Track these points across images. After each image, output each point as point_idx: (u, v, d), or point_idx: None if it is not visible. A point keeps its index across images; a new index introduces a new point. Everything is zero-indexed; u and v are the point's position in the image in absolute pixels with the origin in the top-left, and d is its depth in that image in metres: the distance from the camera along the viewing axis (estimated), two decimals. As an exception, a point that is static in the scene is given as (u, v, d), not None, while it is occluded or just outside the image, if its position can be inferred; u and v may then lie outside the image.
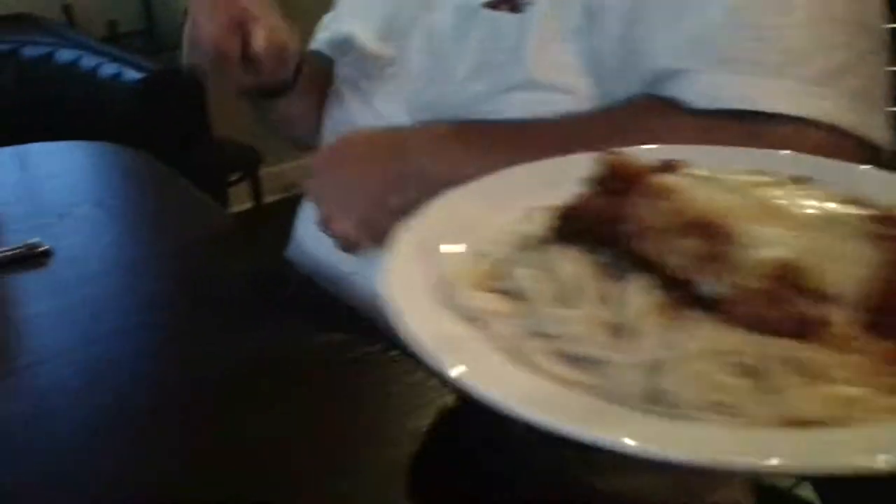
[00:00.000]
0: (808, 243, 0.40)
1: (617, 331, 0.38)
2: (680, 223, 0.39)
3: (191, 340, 0.76)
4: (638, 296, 0.39)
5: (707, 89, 0.68)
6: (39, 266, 0.95)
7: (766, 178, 0.45)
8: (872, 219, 0.42)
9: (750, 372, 0.36)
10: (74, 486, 0.58)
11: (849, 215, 0.42)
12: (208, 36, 0.85)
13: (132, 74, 2.11)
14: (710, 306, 0.38)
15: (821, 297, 0.38)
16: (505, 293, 0.41)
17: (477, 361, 0.37)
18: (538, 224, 0.44)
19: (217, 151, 2.38)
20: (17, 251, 0.95)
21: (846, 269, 0.39)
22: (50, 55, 2.27)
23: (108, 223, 1.10)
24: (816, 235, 0.40)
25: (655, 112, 0.70)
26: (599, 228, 0.41)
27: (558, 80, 0.75)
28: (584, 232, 0.41)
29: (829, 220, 0.42)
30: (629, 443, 0.32)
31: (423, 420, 0.59)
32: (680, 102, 0.68)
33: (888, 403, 0.35)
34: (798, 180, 0.46)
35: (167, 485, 0.57)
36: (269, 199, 2.72)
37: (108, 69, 2.17)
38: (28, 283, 0.93)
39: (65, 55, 2.26)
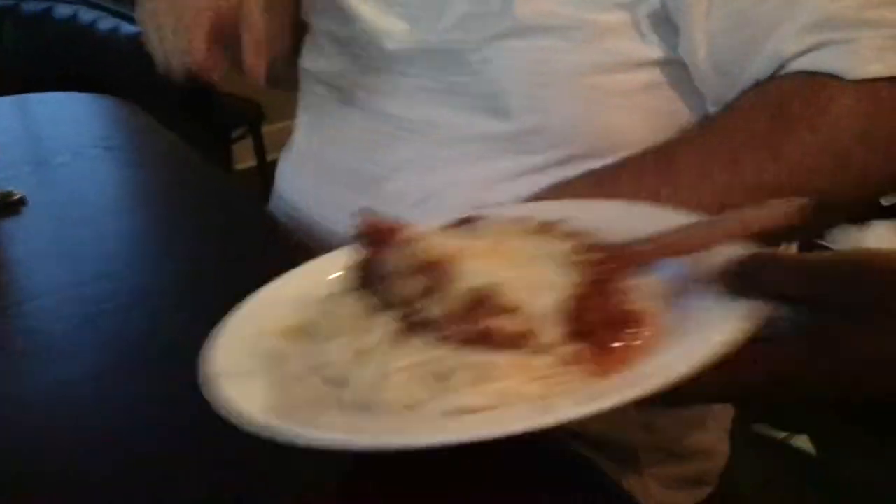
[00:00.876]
0: (513, 273, 0.51)
1: (361, 354, 0.50)
2: (417, 265, 0.51)
3: (169, 285, 0.79)
4: (380, 325, 0.51)
5: (857, 55, 0.67)
6: (13, 214, 0.97)
7: (523, 225, 0.57)
8: (578, 249, 0.53)
9: (440, 376, 0.48)
10: (62, 424, 0.61)
11: (562, 250, 0.53)
12: (190, 60, 0.83)
13: (130, 28, 2.16)
14: (430, 329, 0.50)
15: (513, 314, 0.49)
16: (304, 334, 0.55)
17: (243, 386, 0.50)
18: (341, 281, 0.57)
19: (220, 107, 2.31)
20: None
21: (546, 292, 0.50)
22: (48, 10, 2.28)
23: (85, 172, 1.12)
24: (525, 267, 0.52)
25: (810, 88, 0.69)
26: (372, 278, 0.53)
27: (550, 23, 0.75)
28: (365, 281, 0.54)
29: (543, 254, 0.53)
30: (310, 435, 0.45)
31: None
32: (830, 74, 0.68)
33: (535, 391, 0.47)
34: (551, 223, 0.57)
35: (150, 421, 0.61)
36: (272, 156, 2.74)
37: (106, 23, 2.22)
38: (1, 232, 0.95)
39: (63, 10, 2.27)
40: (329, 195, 0.91)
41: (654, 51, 0.76)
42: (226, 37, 0.84)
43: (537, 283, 0.50)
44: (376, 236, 0.53)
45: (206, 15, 0.82)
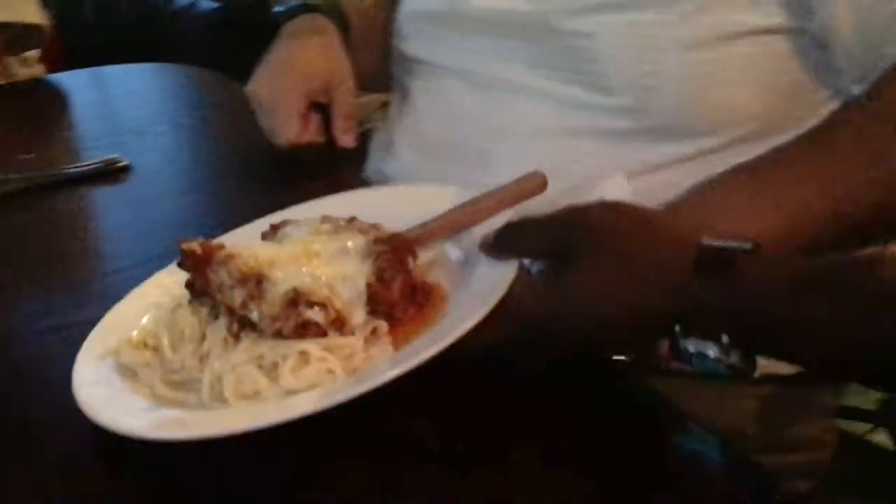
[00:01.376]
0: (319, 272, 0.62)
1: (203, 359, 0.61)
2: (237, 278, 0.61)
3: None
4: (216, 331, 0.62)
5: None
6: (118, 181, 0.99)
7: (324, 227, 0.67)
8: (375, 241, 0.64)
9: (270, 367, 0.59)
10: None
11: (358, 245, 0.64)
12: (284, 139, 0.93)
13: (207, 4, 2.21)
14: (256, 328, 0.61)
15: (323, 306, 0.60)
16: (155, 347, 0.65)
17: (109, 399, 0.60)
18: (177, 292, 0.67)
19: None
20: (97, 166, 1.00)
21: (348, 283, 0.62)
22: (128, -16, 2.30)
23: (184, 142, 1.16)
24: (328, 265, 0.63)
25: None
26: (201, 290, 0.63)
27: None
28: (202, 294, 0.64)
29: (342, 250, 0.64)
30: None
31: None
32: None
33: (354, 367, 0.58)
34: (347, 221, 0.68)
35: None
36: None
37: (183, -1, 2.27)
38: (107, 197, 0.98)
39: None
40: (422, 166, 0.93)
41: (771, 19, 0.72)
42: (318, 107, 0.95)
43: (340, 277, 0.61)
44: (196, 259, 0.62)
45: (298, 98, 0.93)
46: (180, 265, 0.64)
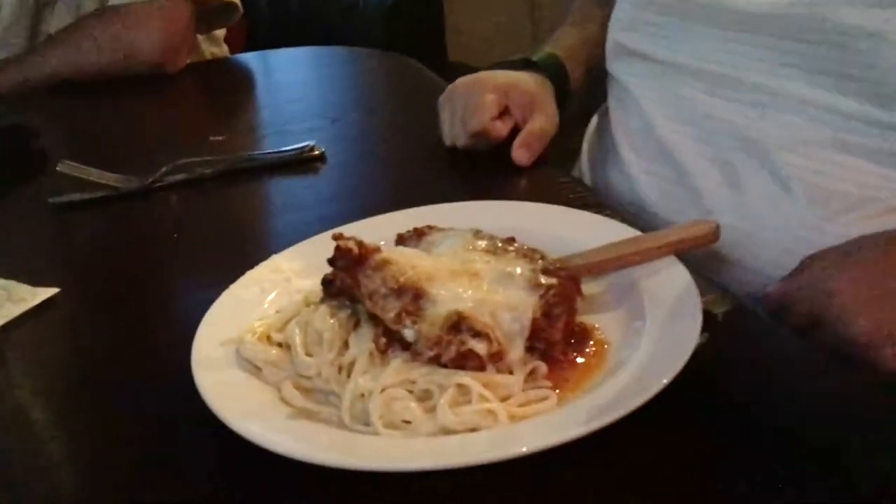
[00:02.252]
0: (482, 296, 0.56)
1: (342, 370, 0.55)
2: (393, 287, 0.56)
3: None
4: (358, 343, 0.56)
5: None
6: (312, 171, 0.96)
7: (480, 244, 0.62)
8: (543, 271, 0.59)
9: (420, 394, 0.54)
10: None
11: (522, 272, 0.59)
12: (476, 122, 0.89)
13: None
14: (408, 347, 0.55)
15: (485, 336, 0.55)
16: (279, 344, 0.59)
17: (235, 397, 0.54)
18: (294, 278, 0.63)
19: (450, 76, 2.49)
20: (292, 154, 0.97)
21: (513, 314, 0.56)
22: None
23: (378, 130, 1.11)
24: (492, 289, 0.57)
25: None
26: (345, 293, 0.58)
27: None
28: (338, 294, 0.58)
29: (506, 275, 0.58)
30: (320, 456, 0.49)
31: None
32: None
33: (514, 412, 0.53)
34: (505, 241, 0.63)
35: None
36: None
37: (353, -10, 2.22)
38: (300, 188, 0.95)
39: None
40: (645, 170, 0.87)
41: None
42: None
43: (504, 306, 0.56)
44: (351, 259, 0.57)
45: (499, 95, 0.90)
46: (331, 262, 0.58)
